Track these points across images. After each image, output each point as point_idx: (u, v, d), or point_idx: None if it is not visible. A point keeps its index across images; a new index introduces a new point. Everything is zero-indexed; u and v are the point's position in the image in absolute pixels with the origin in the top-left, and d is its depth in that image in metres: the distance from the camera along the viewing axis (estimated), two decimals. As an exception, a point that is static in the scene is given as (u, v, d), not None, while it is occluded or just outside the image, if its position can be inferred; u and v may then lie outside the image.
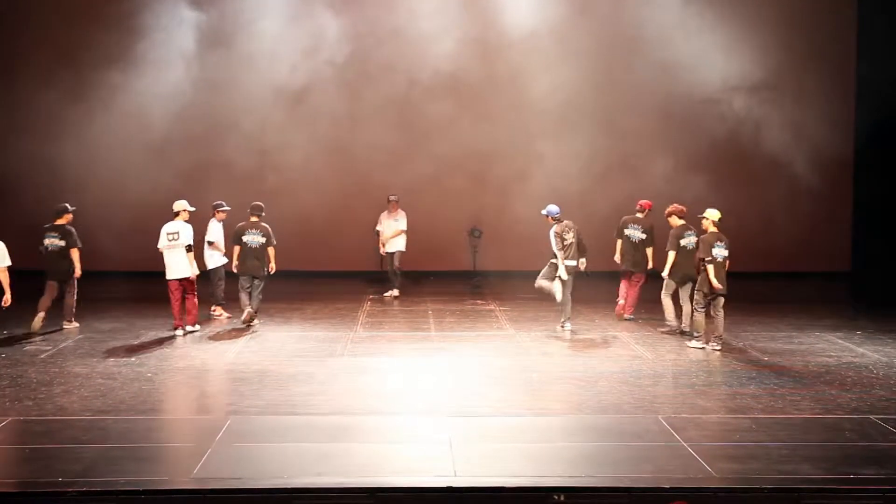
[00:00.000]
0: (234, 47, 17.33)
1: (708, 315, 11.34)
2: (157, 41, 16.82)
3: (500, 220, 16.90)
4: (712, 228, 11.38)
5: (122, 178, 16.82)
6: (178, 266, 12.12)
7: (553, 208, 12.44)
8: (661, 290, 12.48)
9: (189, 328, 12.21)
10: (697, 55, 17.02)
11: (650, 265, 13.14)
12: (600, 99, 17.73)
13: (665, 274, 12.33)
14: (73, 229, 12.48)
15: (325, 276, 17.39)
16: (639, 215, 13.32)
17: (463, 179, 17.67)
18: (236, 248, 12.83)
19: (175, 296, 12.14)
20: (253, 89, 17.46)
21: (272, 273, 12.86)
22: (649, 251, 13.10)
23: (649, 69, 17.50)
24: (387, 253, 15.45)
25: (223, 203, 13.60)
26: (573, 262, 12.24)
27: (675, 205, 12.55)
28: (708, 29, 16.99)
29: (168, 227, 12.25)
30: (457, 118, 17.64)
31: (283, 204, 16.66)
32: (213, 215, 13.57)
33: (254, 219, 12.84)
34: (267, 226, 12.85)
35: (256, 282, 12.77)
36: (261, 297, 12.85)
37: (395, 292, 15.35)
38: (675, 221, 12.38)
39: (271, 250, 12.77)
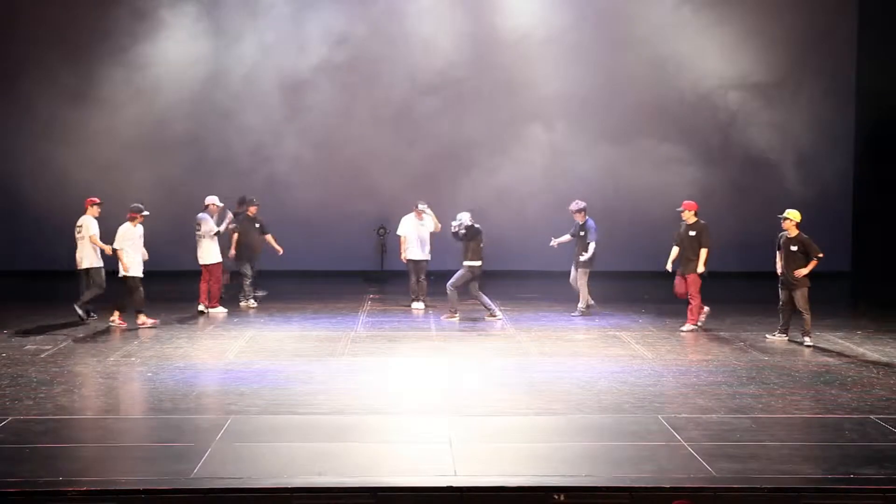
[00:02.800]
0: (234, 45, 17.33)
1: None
2: (156, 38, 16.85)
3: (499, 220, 16.84)
4: (794, 230, 11.81)
5: (120, 174, 16.79)
6: (199, 253, 13.64)
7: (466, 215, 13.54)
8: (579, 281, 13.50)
9: (202, 307, 13.62)
10: (696, 54, 17.04)
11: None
12: (601, 97, 17.70)
13: (573, 254, 13.62)
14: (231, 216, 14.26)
15: (325, 275, 17.39)
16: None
17: (462, 178, 17.64)
18: (234, 236, 14.18)
19: (203, 278, 13.68)
20: (252, 86, 17.44)
21: (281, 253, 14.55)
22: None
23: (650, 68, 17.48)
24: (409, 260, 14.32)
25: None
26: (479, 262, 13.37)
27: (584, 203, 13.60)
28: (708, 29, 16.99)
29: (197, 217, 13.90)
30: (456, 117, 17.63)
31: (283, 202, 16.69)
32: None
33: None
34: (260, 217, 14.54)
35: (255, 265, 14.43)
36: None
37: (422, 305, 14.37)
38: (582, 218, 13.52)
39: (269, 237, 14.53)
